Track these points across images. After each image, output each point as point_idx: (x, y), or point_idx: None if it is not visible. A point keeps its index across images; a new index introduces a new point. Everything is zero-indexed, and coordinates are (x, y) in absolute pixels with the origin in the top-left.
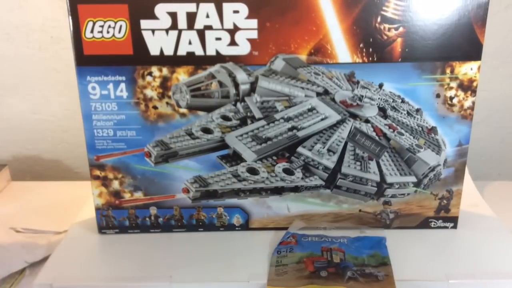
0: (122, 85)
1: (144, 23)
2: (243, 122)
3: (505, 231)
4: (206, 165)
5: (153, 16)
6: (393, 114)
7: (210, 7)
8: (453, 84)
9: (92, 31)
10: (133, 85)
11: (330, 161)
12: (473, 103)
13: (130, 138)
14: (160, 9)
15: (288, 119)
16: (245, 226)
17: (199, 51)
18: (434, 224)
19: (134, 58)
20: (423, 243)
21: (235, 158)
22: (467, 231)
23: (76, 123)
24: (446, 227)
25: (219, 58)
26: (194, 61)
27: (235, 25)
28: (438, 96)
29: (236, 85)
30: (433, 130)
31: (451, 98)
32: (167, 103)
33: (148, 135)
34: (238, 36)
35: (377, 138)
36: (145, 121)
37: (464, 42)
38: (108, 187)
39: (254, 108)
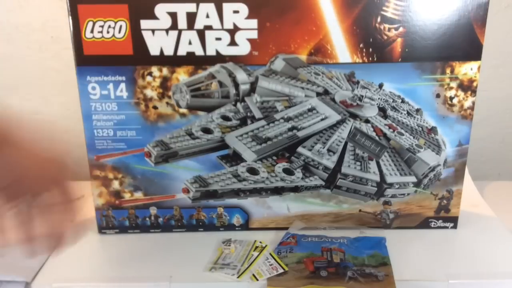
0: (122, 85)
1: (144, 23)
2: (243, 122)
3: (505, 231)
4: (206, 165)
5: (153, 16)
6: (393, 114)
7: (210, 7)
8: (453, 84)
9: (92, 31)
10: (133, 85)
11: (330, 161)
12: (473, 103)
13: (130, 138)
14: (160, 9)
15: (288, 119)
16: (245, 226)
17: (199, 51)
18: (434, 224)
19: (134, 58)
20: (423, 243)
21: (235, 158)
22: (467, 231)
23: (76, 123)
24: (446, 227)
25: (219, 58)
26: (194, 61)
27: (235, 25)
28: (438, 96)
29: (236, 85)
30: (433, 130)
31: (451, 98)
32: (167, 103)
33: (148, 135)
34: (238, 36)
35: (377, 138)
36: (145, 121)
37: (464, 42)
38: (108, 187)
39: (254, 108)
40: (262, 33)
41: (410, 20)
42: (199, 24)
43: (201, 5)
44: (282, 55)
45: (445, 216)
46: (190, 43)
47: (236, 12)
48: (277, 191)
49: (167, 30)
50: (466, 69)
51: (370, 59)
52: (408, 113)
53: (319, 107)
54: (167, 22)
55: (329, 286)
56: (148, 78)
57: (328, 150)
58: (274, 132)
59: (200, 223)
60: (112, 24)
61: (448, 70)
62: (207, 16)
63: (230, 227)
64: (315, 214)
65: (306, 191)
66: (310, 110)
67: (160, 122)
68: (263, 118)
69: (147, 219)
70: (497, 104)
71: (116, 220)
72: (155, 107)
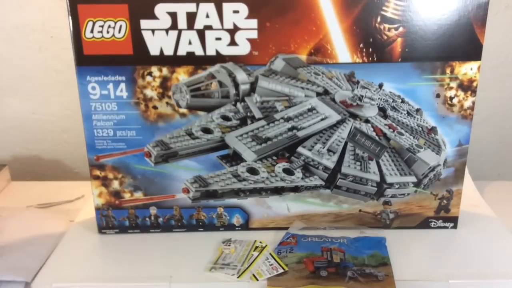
0: (122, 85)
1: (144, 23)
2: (243, 122)
3: (505, 231)
4: (206, 165)
5: (153, 16)
6: (393, 114)
7: (210, 7)
8: (453, 84)
9: (92, 31)
10: (133, 85)
11: (330, 161)
12: (473, 103)
13: (130, 138)
14: (160, 9)
15: (288, 119)
16: (245, 226)
17: (199, 51)
18: (434, 224)
19: (134, 58)
20: (423, 243)
21: (235, 158)
22: (467, 231)
23: (76, 123)
24: (446, 227)
25: (219, 58)
26: (194, 61)
27: (235, 25)
28: (438, 96)
29: (236, 85)
30: (433, 130)
31: (451, 98)
32: (167, 103)
33: (148, 135)
34: (238, 36)
35: (377, 138)
36: (145, 121)
37: (464, 42)
38: (108, 187)
39: (254, 108)
40: (262, 33)
41: (410, 20)
42: (199, 24)
43: (201, 5)
44: (282, 55)
45: (445, 216)
46: (190, 43)
47: (236, 12)
48: (277, 191)
49: (167, 30)
50: (466, 69)
51: (370, 59)
52: (408, 113)
53: (319, 107)
54: (167, 22)
55: (329, 286)
56: (148, 78)
57: (328, 150)
58: (274, 132)
59: (200, 223)
60: (112, 24)
61: (448, 70)
62: (207, 16)
63: (230, 227)
64: (315, 214)
65: (306, 191)
66: (310, 110)
67: (160, 122)
68: (263, 118)
69: (147, 219)
70: (497, 104)
71: (116, 220)
72: (155, 107)
